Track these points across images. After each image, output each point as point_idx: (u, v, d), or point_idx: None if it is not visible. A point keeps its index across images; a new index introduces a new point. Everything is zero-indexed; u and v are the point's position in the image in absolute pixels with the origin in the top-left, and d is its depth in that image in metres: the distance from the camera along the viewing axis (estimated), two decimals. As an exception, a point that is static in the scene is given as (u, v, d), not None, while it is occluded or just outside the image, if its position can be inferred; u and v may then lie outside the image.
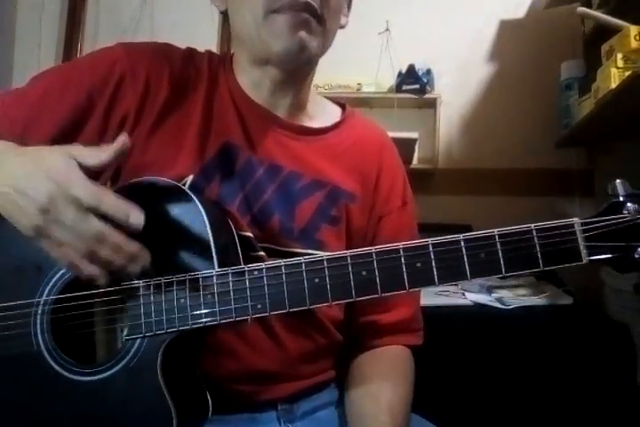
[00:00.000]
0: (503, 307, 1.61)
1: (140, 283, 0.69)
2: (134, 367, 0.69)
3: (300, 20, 0.77)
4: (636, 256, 0.60)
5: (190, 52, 0.89)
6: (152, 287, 0.69)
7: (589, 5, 1.91)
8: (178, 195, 0.72)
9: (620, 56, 1.51)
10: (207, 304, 0.68)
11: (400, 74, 2.23)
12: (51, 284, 0.72)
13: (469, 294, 1.68)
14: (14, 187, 0.64)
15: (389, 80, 2.26)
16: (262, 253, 0.80)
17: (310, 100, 0.92)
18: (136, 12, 2.42)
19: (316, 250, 0.82)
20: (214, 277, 0.68)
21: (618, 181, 0.63)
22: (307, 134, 0.88)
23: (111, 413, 0.70)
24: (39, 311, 0.71)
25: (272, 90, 0.85)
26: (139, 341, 0.69)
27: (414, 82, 2.19)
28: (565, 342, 1.48)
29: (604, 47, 1.63)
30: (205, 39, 2.24)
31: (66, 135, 0.80)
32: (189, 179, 0.80)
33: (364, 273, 0.65)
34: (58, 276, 0.72)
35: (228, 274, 0.68)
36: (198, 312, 0.68)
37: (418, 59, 2.23)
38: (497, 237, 0.63)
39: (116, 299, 0.70)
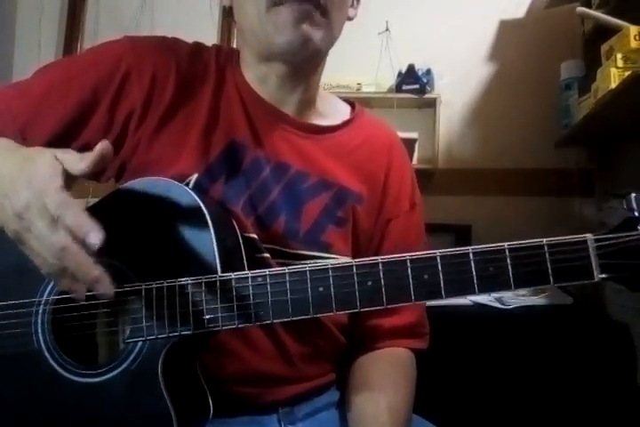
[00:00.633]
0: (503, 307, 1.61)
1: (143, 286, 0.68)
2: (135, 370, 0.68)
3: (303, 13, 0.75)
4: None
5: (198, 47, 0.87)
6: (154, 290, 0.68)
7: (589, 5, 1.91)
8: (181, 195, 0.71)
9: (619, 56, 1.51)
10: (210, 310, 0.66)
11: (400, 74, 2.23)
12: (52, 283, 0.71)
13: (469, 294, 1.68)
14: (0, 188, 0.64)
15: (389, 80, 2.26)
16: (267, 254, 0.79)
17: (319, 98, 0.89)
18: (136, 11, 2.42)
19: (322, 252, 0.81)
20: (217, 283, 0.67)
21: (633, 195, 0.61)
22: (315, 132, 0.86)
23: (111, 415, 0.69)
24: (40, 311, 0.71)
25: (279, 86, 0.83)
26: (140, 343, 0.68)
27: (414, 82, 2.19)
28: (565, 342, 1.48)
29: (604, 47, 1.63)
30: (205, 39, 2.24)
31: (69, 131, 0.79)
32: (193, 178, 0.78)
33: (369, 283, 0.64)
34: (58, 275, 0.72)
35: (231, 280, 0.66)
36: (201, 318, 0.66)
37: (418, 59, 2.23)
38: (507, 250, 0.61)
39: (119, 300, 0.70)
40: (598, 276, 0.59)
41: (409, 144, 2.00)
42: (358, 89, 2.24)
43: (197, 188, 0.77)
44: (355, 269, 0.64)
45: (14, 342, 0.72)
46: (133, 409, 0.68)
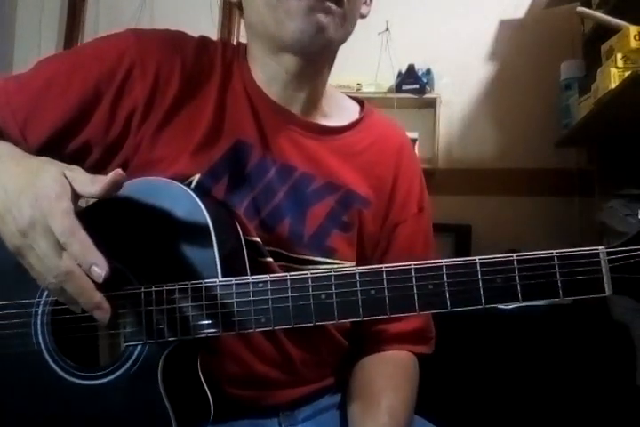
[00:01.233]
0: (503, 307, 1.61)
1: (142, 289, 0.68)
2: (135, 374, 0.67)
3: (319, 6, 0.72)
4: None
5: (204, 42, 0.83)
6: (154, 293, 0.67)
7: (589, 5, 1.91)
8: (181, 197, 0.69)
9: (619, 56, 1.51)
10: (210, 315, 0.65)
11: (400, 74, 2.23)
12: None
13: (469, 294, 1.67)
14: (3, 201, 0.63)
15: (389, 80, 2.26)
16: (270, 258, 0.77)
17: (326, 96, 0.87)
18: (136, 11, 2.42)
19: (326, 257, 0.80)
20: (217, 287, 0.65)
21: None
22: (322, 133, 0.83)
23: (110, 418, 0.69)
24: (39, 312, 0.71)
25: (287, 83, 0.80)
26: (140, 346, 0.68)
27: (414, 82, 2.19)
28: (565, 343, 1.48)
29: (604, 47, 1.63)
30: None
31: (70, 128, 0.77)
32: (196, 178, 0.76)
33: (372, 292, 0.62)
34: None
35: (232, 285, 0.65)
36: (200, 323, 0.66)
37: (418, 59, 2.23)
38: (516, 262, 0.59)
39: (119, 303, 0.69)
40: (610, 290, 0.57)
41: (409, 144, 2.00)
42: (358, 89, 2.23)
43: (200, 188, 0.75)
44: (358, 278, 0.63)
45: (14, 342, 0.71)
46: (133, 412, 0.68)
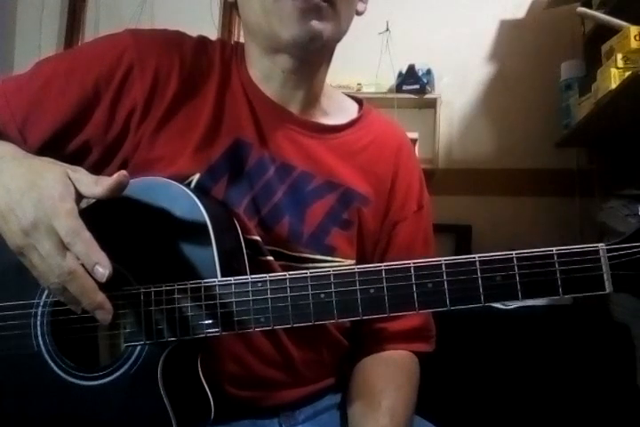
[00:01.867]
0: (503, 307, 1.61)
1: (141, 289, 0.68)
2: (135, 374, 0.67)
3: (311, 6, 0.72)
4: None
5: (202, 41, 0.83)
6: (153, 294, 0.67)
7: (589, 5, 1.91)
8: (180, 196, 0.69)
9: (619, 56, 1.51)
10: (209, 315, 0.65)
11: (400, 74, 2.23)
12: None
13: (469, 295, 1.67)
14: (6, 201, 0.63)
15: (389, 80, 2.26)
16: (270, 257, 0.77)
17: (325, 95, 0.87)
18: (136, 11, 2.42)
19: (326, 255, 0.80)
20: (217, 287, 0.65)
21: None
22: (321, 132, 0.83)
23: (110, 419, 0.69)
24: (39, 313, 0.71)
25: (284, 82, 0.80)
26: (140, 347, 0.68)
27: (414, 82, 2.19)
28: (565, 343, 1.48)
29: (604, 47, 1.63)
30: (205, 39, 2.24)
31: (69, 128, 0.77)
32: (195, 178, 0.76)
33: (371, 291, 0.62)
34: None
35: (230, 284, 0.65)
36: (200, 322, 0.66)
37: (418, 59, 2.23)
38: (515, 259, 0.59)
39: (118, 304, 0.68)
40: (610, 287, 0.57)
41: (409, 144, 2.00)
42: (358, 89, 2.23)
43: (199, 187, 0.75)
44: (357, 276, 0.62)
45: (13, 344, 0.71)
46: (133, 413, 0.68)
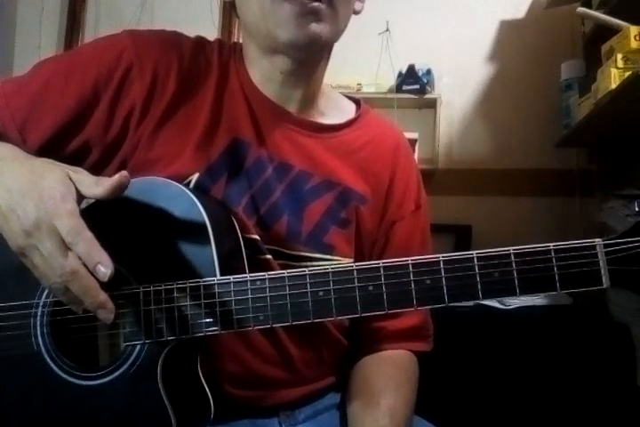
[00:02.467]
0: (503, 307, 1.61)
1: (141, 288, 0.68)
2: (134, 373, 0.67)
3: (309, 9, 0.72)
4: None
5: (200, 42, 0.84)
6: (152, 293, 0.67)
7: (589, 5, 1.91)
8: (179, 196, 0.70)
9: (619, 56, 1.51)
10: (208, 313, 0.65)
11: (400, 74, 2.23)
12: None
13: (469, 295, 1.67)
14: (7, 201, 0.63)
15: (389, 80, 2.26)
16: (269, 256, 0.77)
17: (322, 95, 0.87)
18: (136, 11, 2.42)
19: (325, 254, 0.80)
20: (216, 286, 0.66)
21: None
22: (319, 131, 0.84)
23: (110, 418, 0.69)
24: (38, 313, 0.71)
25: (282, 82, 0.81)
26: (139, 346, 0.68)
27: (414, 82, 2.19)
28: (565, 343, 1.48)
29: (604, 47, 1.63)
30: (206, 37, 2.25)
31: (69, 128, 0.78)
32: (195, 177, 0.76)
33: (370, 288, 0.62)
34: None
35: (230, 283, 0.65)
36: (199, 321, 0.66)
37: (418, 59, 2.22)
38: (513, 255, 0.59)
39: (118, 303, 0.68)
40: (607, 282, 0.57)
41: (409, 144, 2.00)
42: (358, 89, 2.23)
43: (199, 187, 0.76)
44: (355, 274, 0.63)
45: (13, 344, 0.71)
46: (132, 412, 0.68)
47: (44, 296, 0.71)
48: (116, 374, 0.68)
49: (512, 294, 0.59)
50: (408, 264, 0.61)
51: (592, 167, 2.12)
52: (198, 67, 0.81)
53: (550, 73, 2.17)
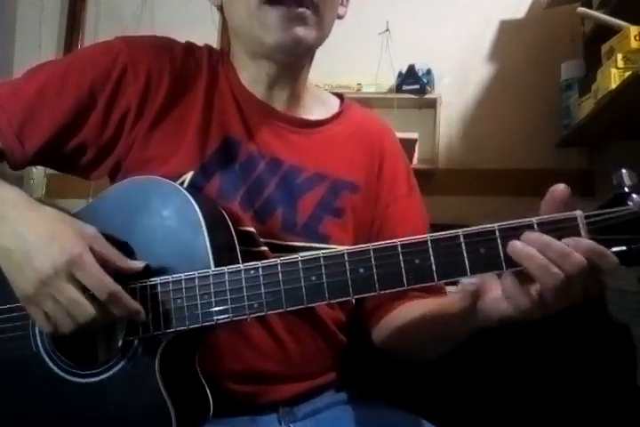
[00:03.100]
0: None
1: (137, 284, 0.69)
2: (133, 369, 0.68)
3: (294, 14, 0.75)
4: None
5: (190, 46, 0.88)
6: (148, 288, 0.68)
7: (590, 5, 1.91)
8: (173, 193, 0.71)
9: (620, 56, 1.51)
10: (204, 304, 0.67)
11: (400, 74, 2.23)
12: None
13: (469, 295, 1.67)
14: (23, 251, 0.65)
15: (389, 80, 2.26)
16: (265, 248, 0.79)
17: (307, 92, 0.91)
18: (136, 11, 2.42)
19: (321, 243, 0.81)
20: (210, 277, 0.67)
21: (624, 170, 0.60)
22: (306, 127, 0.88)
23: (110, 414, 0.69)
24: None
25: (269, 83, 0.85)
26: (137, 342, 0.68)
27: (414, 82, 2.19)
28: (565, 343, 1.48)
29: (604, 47, 1.63)
30: (206, 38, 2.23)
31: (67, 130, 0.79)
32: (189, 176, 0.79)
33: (361, 270, 0.63)
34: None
35: (224, 273, 0.67)
36: (195, 312, 0.67)
37: (418, 59, 2.22)
38: (497, 231, 0.60)
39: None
40: None
41: (409, 144, 2.00)
42: (358, 89, 2.24)
43: (193, 185, 0.78)
44: (346, 257, 0.64)
45: (13, 345, 0.72)
46: (133, 407, 0.69)
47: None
48: (115, 369, 0.69)
49: (499, 268, 0.60)
50: (396, 245, 0.63)
51: (592, 167, 2.12)
52: (189, 70, 0.84)
53: (550, 73, 2.17)
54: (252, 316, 0.66)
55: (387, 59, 2.26)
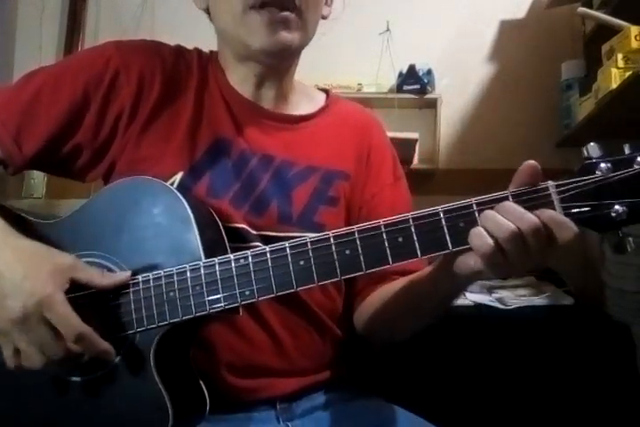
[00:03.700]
0: (504, 307, 1.61)
1: (130, 280, 0.70)
2: (129, 364, 0.69)
3: (279, 19, 0.78)
4: (613, 215, 0.59)
5: (180, 49, 0.91)
6: (141, 283, 0.70)
7: (590, 5, 1.91)
8: (162, 192, 0.73)
9: (620, 56, 1.51)
10: (196, 295, 0.68)
11: (401, 74, 2.23)
12: None
13: (470, 295, 1.67)
14: None
15: (390, 80, 2.25)
16: (257, 243, 0.80)
17: (294, 89, 0.93)
18: (137, 12, 2.42)
19: (315, 232, 0.82)
20: (201, 269, 0.69)
21: (592, 143, 0.64)
22: (294, 122, 0.90)
23: (108, 411, 0.70)
24: None
25: (256, 84, 0.88)
26: (131, 337, 0.69)
27: (415, 82, 2.19)
28: (566, 343, 1.48)
29: (605, 47, 1.63)
30: (206, 39, 2.24)
31: (63, 133, 0.81)
32: (178, 177, 0.81)
33: (347, 252, 0.65)
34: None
35: (214, 264, 0.68)
36: (187, 304, 0.68)
37: (418, 59, 2.22)
38: (475, 205, 0.63)
39: (109, 297, 0.71)
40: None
41: (409, 144, 2.00)
42: (359, 89, 2.23)
43: (182, 185, 0.80)
44: (332, 240, 0.66)
45: None
46: (129, 402, 0.70)
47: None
48: (112, 365, 0.69)
49: None
50: (380, 226, 0.65)
51: (592, 167, 2.11)
52: (180, 71, 0.87)
53: (550, 73, 2.17)
54: (243, 303, 0.67)
55: (387, 59, 2.25)
